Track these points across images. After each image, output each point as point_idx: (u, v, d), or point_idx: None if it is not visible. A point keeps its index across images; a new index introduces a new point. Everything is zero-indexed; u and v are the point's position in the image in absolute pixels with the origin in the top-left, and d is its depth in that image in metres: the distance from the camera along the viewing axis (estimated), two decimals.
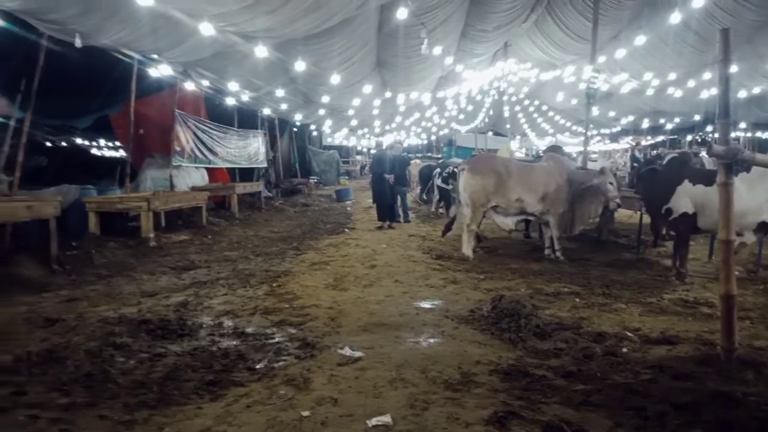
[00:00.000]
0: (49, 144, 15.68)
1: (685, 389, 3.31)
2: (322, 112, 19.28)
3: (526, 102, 25.22)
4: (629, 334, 4.50)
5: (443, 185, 13.63)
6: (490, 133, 33.17)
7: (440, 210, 13.75)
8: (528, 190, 7.92)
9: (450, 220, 8.41)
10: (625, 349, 4.12)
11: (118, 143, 17.41)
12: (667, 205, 6.68)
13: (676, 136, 29.11)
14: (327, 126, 25.03)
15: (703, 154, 14.10)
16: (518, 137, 32.77)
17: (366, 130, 30.28)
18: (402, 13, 10.06)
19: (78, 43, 7.21)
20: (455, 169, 13.19)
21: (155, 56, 9.61)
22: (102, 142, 21.12)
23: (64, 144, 17.22)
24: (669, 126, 25.16)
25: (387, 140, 20.13)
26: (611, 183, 7.69)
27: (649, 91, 17.39)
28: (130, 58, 9.45)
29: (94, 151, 21.42)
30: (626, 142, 29.72)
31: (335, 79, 12.71)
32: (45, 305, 5.34)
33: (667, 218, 6.73)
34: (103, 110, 11.66)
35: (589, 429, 2.86)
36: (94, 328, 4.47)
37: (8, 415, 2.99)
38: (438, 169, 14.10)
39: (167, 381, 3.49)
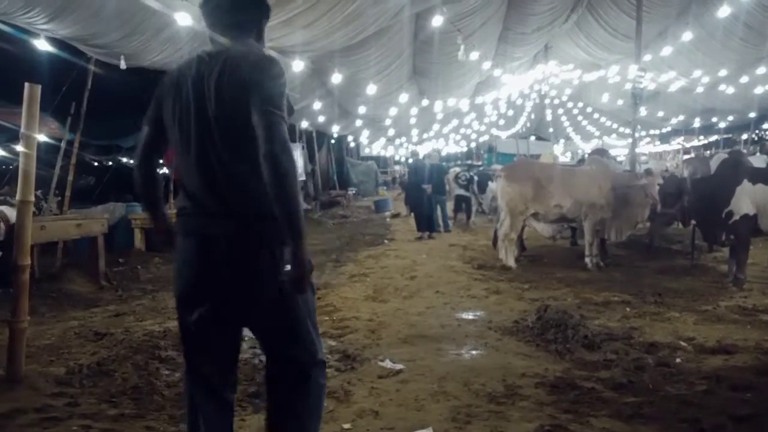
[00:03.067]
0: (96, 163, 16.29)
1: (745, 401, 3.15)
2: (359, 123, 19.44)
3: (570, 104, 24.66)
4: (683, 343, 4.30)
5: (462, 192, 13.37)
6: (533, 138, 32.64)
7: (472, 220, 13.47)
8: (567, 196, 7.64)
9: (494, 235, 8.27)
10: (678, 360, 3.94)
11: (161, 161, 17.90)
12: (728, 207, 6.34)
13: (730, 135, 27.70)
14: (364, 137, 25.21)
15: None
16: (562, 141, 32.13)
17: (403, 139, 30.31)
18: (437, 21, 10.02)
19: (123, 65, 7.49)
20: (473, 175, 13.02)
21: None
22: None
23: (110, 163, 17.85)
24: (722, 124, 24.09)
25: (423, 149, 20.04)
26: (659, 184, 7.38)
27: (699, 89, 16.72)
28: None
29: None
30: (677, 143, 28.68)
31: (372, 89, 12.79)
32: (94, 320, 5.51)
33: (727, 222, 6.39)
34: None
35: None
36: (141, 342, 4.56)
37: (64, 424, 3.08)
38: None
39: None
